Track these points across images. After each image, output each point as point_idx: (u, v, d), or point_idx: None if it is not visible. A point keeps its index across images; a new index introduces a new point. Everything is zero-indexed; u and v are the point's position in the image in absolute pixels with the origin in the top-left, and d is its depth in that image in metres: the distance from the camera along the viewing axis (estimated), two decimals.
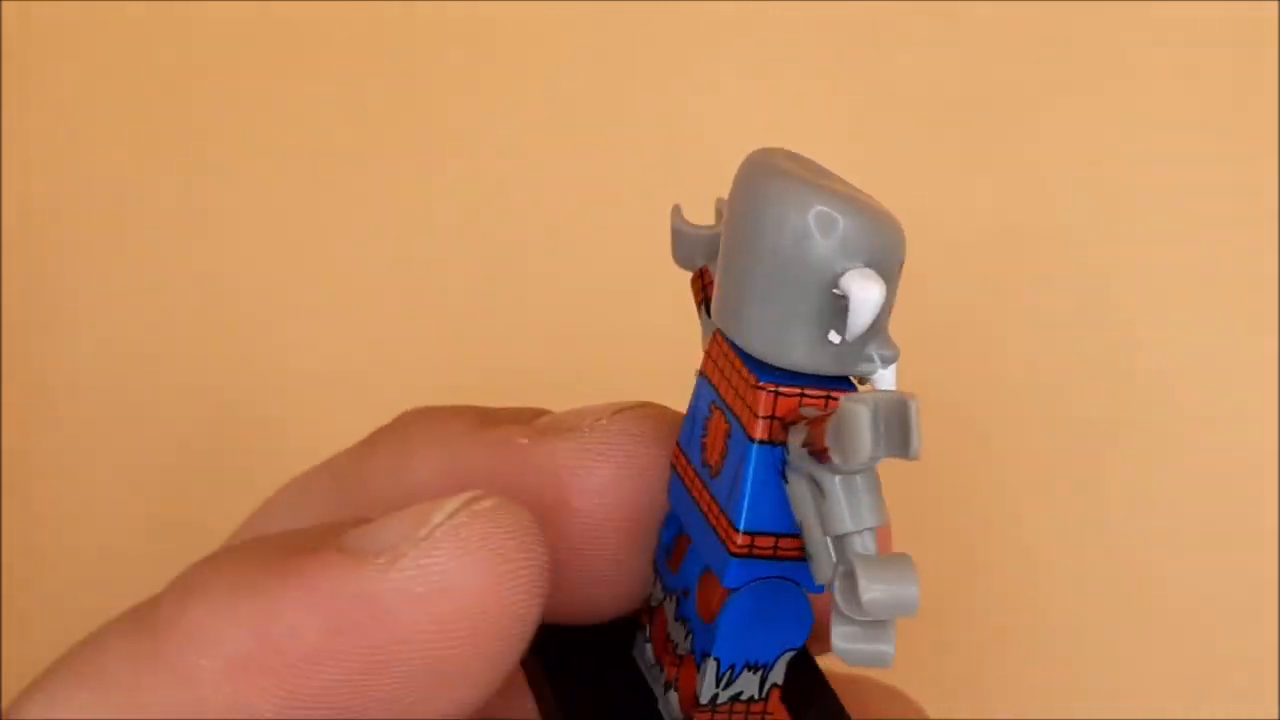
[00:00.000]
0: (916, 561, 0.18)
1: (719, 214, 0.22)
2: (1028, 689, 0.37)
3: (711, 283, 0.21)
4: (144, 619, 0.20)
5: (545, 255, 0.42)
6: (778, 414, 0.19)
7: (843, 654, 0.18)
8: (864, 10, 0.40)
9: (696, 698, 0.21)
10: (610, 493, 0.21)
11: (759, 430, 0.19)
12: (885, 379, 0.20)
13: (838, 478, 0.19)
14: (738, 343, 0.20)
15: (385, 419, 0.24)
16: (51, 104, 0.45)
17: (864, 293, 0.18)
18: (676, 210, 0.22)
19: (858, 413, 0.17)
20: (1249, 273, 0.37)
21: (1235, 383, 0.37)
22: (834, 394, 0.19)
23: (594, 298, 0.41)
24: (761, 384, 0.19)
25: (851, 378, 0.20)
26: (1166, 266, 0.38)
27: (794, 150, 0.20)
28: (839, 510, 0.18)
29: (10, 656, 0.44)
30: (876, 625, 0.18)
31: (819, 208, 0.19)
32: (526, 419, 0.22)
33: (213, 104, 0.44)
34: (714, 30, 0.41)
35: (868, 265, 0.19)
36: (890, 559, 0.18)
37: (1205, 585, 0.37)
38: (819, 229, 0.19)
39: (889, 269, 0.19)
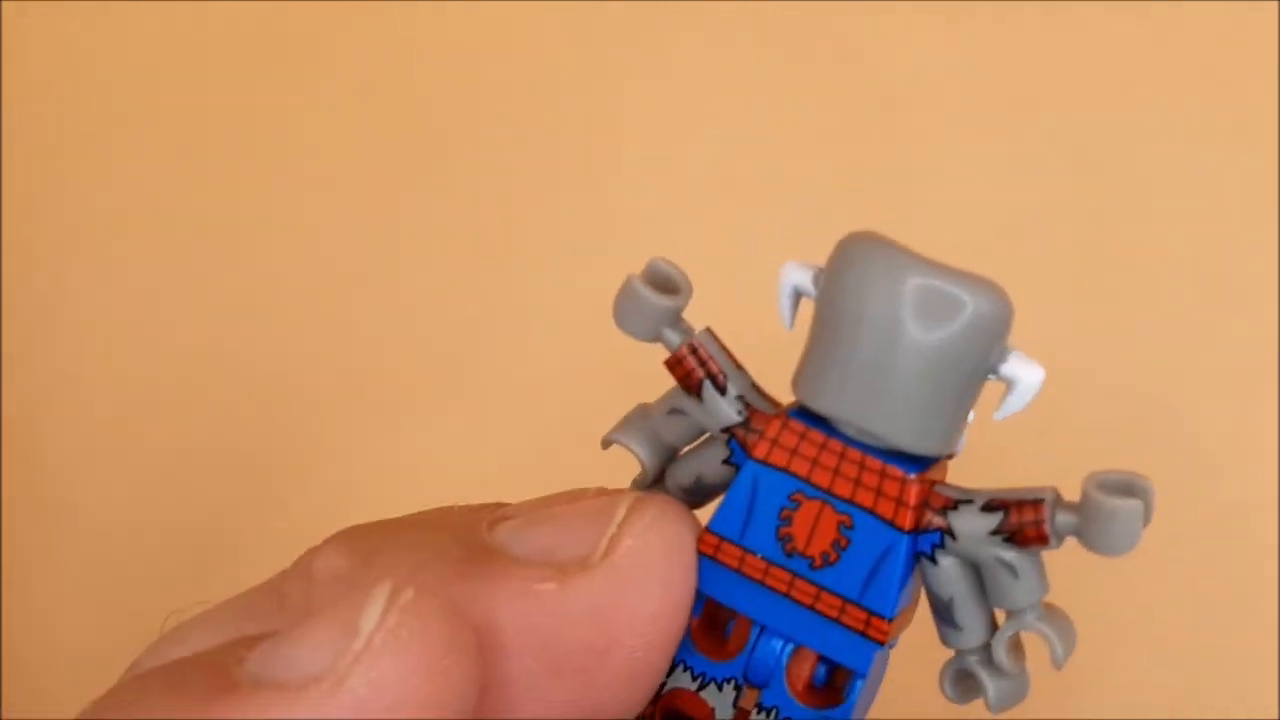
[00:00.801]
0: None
1: (664, 278, 0.21)
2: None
3: (709, 359, 0.21)
4: None
5: (548, 260, 0.42)
6: (923, 500, 0.20)
7: (1001, 704, 0.20)
8: (861, 10, 0.40)
9: None
10: (662, 619, 0.20)
11: (910, 521, 0.20)
12: (961, 439, 0.20)
13: (1029, 557, 0.20)
14: (878, 433, 0.20)
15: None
16: (51, 104, 0.45)
17: (1034, 378, 0.19)
18: (640, 277, 0.21)
19: (1135, 509, 0.18)
20: (1249, 274, 0.37)
21: (1235, 383, 0.37)
22: (935, 467, 0.20)
23: (601, 300, 0.41)
24: (911, 476, 0.20)
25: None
26: (1166, 267, 0.38)
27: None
28: (1026, 586, 0.20)
29: (10, 658, 0.44)
30: (1022, 675, 0.20)
31: (987, 298, 0.19)
32: (488, 526, 0.20)
33: (213, 103, 0.44)
34: (712, 36, 0.41)
35: (1006, 344, 0.19)
36: (1056, 614, 0.20)
37: (1204, 585, 0.37)
38: (972, 319, 0.19)
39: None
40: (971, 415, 0.20)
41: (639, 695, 0.20)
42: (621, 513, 0.20)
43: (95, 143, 0.45)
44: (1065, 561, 0.37)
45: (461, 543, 0.20)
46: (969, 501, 0.20)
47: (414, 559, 0.19)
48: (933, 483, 0.20)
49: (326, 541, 0.21)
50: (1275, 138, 0.37)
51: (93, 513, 0.45)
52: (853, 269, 0.19)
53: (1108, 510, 0.18)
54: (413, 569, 0.19)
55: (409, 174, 0.43)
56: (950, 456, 0.20)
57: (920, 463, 0.20)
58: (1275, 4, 0.37)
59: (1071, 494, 0.19)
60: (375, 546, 0.20)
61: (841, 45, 0.40)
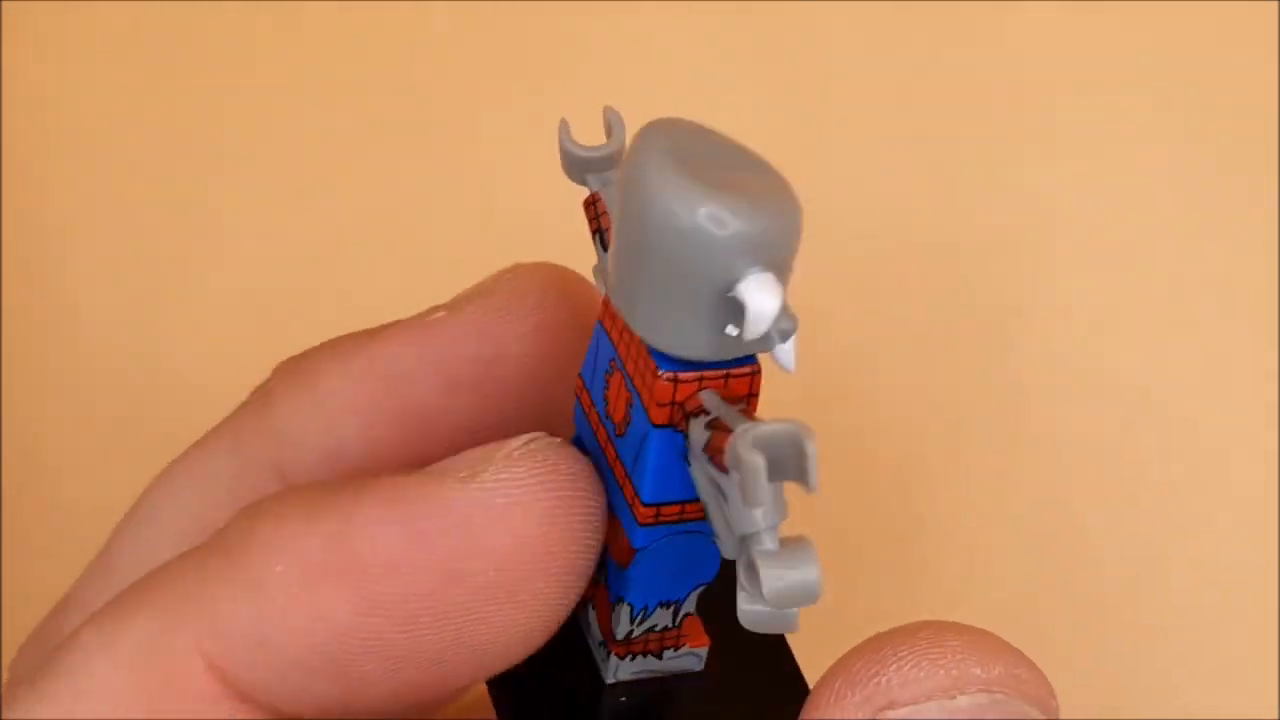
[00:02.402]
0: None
1: (607, 127, 0.21)
2: None
3: (605, 213, 0.21)
4: (210, 545, 0.20)
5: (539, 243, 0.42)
6: (678, 400, 0.19)
7: (749, 620, 0.18)
8: (853, 8, 0.40)
9: (613, 634, 0.21)
10: (537, 331, 0.22)
11: (659, 417, 0.19)
12: (785, 352, 0.19)
13: (734, 483, 0.18)
14: (639, 334, 0.19)
15: None
16: (52, 102, 0.45)
17: (762, 305, 0.18)
18: (564, 126, 0.21)
19: (756, 466, 0.17)
20: (1247, 277, 0.37)
21: (1234, 385, 0.37)
22: (733, 373, 0.19)
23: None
24: (661, 373, 0.19)
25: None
26: (1160, 269, 0.38)
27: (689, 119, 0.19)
28: (735, 512, 0.18)
29: (10, 655, 0.44)
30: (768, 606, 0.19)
31: (706, 208, 0.18)
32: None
33: (212, 102, 0.44)
34: (707, 31, 0.41)
35: (762, 263, 0.18)
36: (793, 549, 0.18)
37: (1204, 584, 0.37)
38: (709, 230, 0.18)
39: (783, 259, 0.18)
40: (732, 330, 0.18)
41: (528, 410, 0.22)
42: (513, 269, 0.22)
43: (96, 141, 0.45)
44: (1065, 563, 0.37)
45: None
46: (708, 413, 0.19)
47: (354, 336, 0.22)
48: (702, 386, 0.19)
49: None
50: (1275, 138, 0.37)
51: (93, 511, 0.45)
52: (629, 176, 0.19)
53: (737, 460, 0.17)
54: (355, 337, 0.22)
55: (404, 167, 0.43)
56: (756, 371, 0.19)
57: (687, 362, 0.19)
58: (1275, 4, 0.37)
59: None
60: (332, 345, 0.23)
61: (832, 40, 0.40)
